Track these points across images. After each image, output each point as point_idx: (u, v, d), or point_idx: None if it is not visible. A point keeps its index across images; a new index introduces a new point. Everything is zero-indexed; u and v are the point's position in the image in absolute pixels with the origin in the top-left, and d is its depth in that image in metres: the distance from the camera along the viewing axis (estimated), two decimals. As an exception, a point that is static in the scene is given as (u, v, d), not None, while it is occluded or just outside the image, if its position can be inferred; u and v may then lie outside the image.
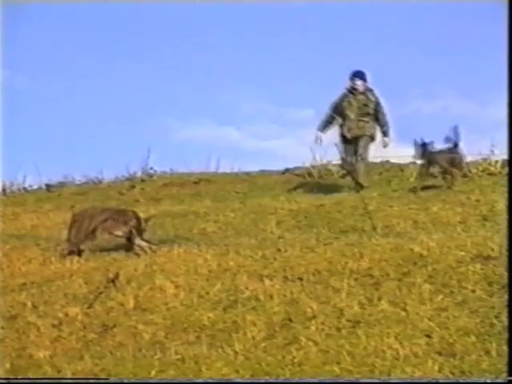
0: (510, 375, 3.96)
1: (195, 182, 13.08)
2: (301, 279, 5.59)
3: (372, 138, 10.72)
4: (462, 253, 5.84)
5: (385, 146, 10.88)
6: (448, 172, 10.27)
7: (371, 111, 10.64)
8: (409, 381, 3.98)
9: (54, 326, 5.13)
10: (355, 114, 10.62)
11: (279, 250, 6.50)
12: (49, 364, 4.53)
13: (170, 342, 4.69)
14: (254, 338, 4.61)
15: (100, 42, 19.77)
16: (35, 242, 7.86)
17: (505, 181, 9.07)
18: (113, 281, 5.80)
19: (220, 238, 7.62)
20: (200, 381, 4.16)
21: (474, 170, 11.68)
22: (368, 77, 10.86)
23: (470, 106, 20.59)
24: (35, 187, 14.04)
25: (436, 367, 4.05)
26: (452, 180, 10.21)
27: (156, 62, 19.59)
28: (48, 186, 13.99)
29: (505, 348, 4.18)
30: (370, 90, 10.78)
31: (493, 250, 5.81)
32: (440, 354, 4.21)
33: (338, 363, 4.18)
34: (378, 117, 10.66)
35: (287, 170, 13.90)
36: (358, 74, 10.81)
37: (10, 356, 4.69)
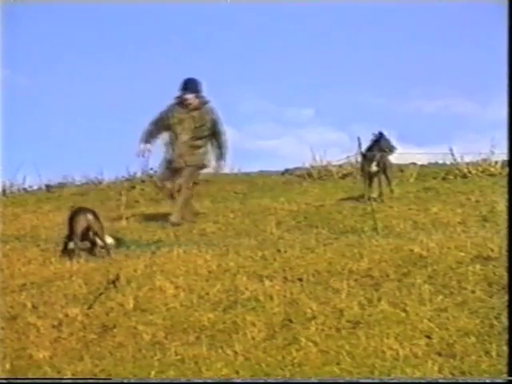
0: (509, 375, 3.96)
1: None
2: (301, 280, 5.59)
3: (204, 167, 9.06)
4: (462, 253, 5.85)
5: (218, 171, 9.34)
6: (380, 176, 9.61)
7: (207, 132, 8.81)
8: (409, 381, 3.98)
9: (53, 326, 5.13)
10: (188, 136, 8.74)
11: (279, 250, 6.51)
12: (48, 364, 4.53)
13: (169, 342, 4.69)
14: (253, 338, 4.61)
15: (100, 41, 19.77)
16: (35, 243, 7.86)
17: (505, 181, 9.07)
18: (113, 282, 5.80)
19: (220, 239, 7.62)
20: (200, 381, 4.16)
21: (473, 171, 11.70)
22: (203, 86, 8.90)
23: (470, 106, 20.60)
24: (35, 188, 14.06)
25: (436, 368, 4.05)
26: (380, 187, 9.54)
27: (156, 62, 19.58)
28: (48, 187, 14.01)
29: (505, 348, 4.18)
30: (206, 103, 8.88)
31: (493, 250, 5.82)
32: (440, 354, 4.21)
33: (338, 364, 4.19)
34: (214, 137, 8.87)
35: (287, 171, 13.91)
36: (189, 86, 8.80)
37: (9, 356, 4.68)
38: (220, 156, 9.01)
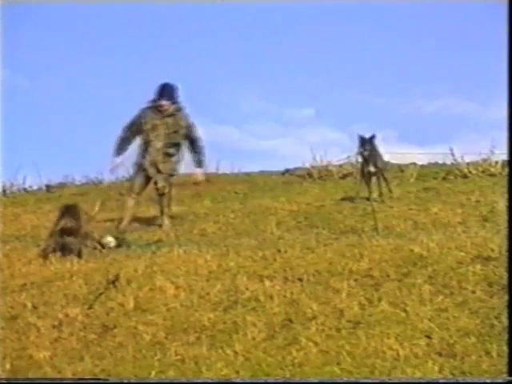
0: (509, 375, 3.96)
1: (195, 183, 13.08)
2: (301, 280, 5.59)
3: (174, 175, 8.90)
4: (462, 253, 5.85)
5: (198, 180, 9.03)
6: (382, 175, 9.75)
7: (180, 140, 8.62)
8: (409, 381, 3.98)
9: (54, 326, 5.12)
10: (162, 142, 8.53)
11: (279, 250, 6.50)
12: (49, 365, 4.53)
13: (170, 342, 4.68)
14: (254, 338, 4.61)
15: (99, 41, 19.80)
16: (35, 243, 7.85)
17: (505, 181, 9.09)
18: (113, 282, 5.80)
19: (220, 239, 7.62)
20: (200, 381, 4.16)
21: (474, 171, 11.70)
22: (179, 91, 8.68)
23: (471, 106, 20.64)
24: (35, 188, 14.06)
25: (436, 368, 4.04)
26: (380, 186, 9.66)
27: (155, 62, 19.61)
28: (48, 187, 14.01)
29: (505, 349, 4.18)
30: (180, 110, 8.67)
31: (493, 250, 5.82)
32: (440, 354, 4.21)
33: (338, 364, 4.18)
34: (191, 144, 8.69)
35: (287, 171, 13.92)
36: (166, 91, 8.57)
37: (10, 356, 4.68)
38: (199, 163, 8.82)
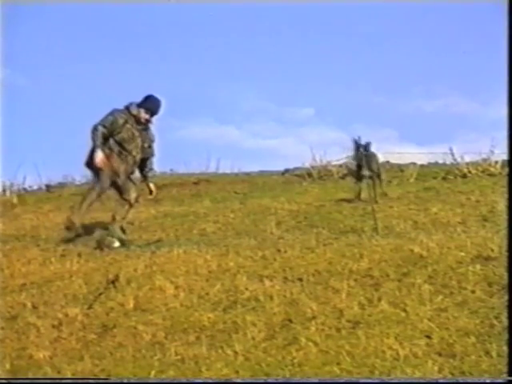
0: (509, 375, 3.96)
1: (195, 183, 13.10)
2: (301, 280, 5.59)
3: None
4: (462, 253, 5.84)
5: (152, 195, 8.38)
6: (377, 177, 9.88)
7: (147, 155, 8.14)
8: (409, 381, 3.97)
9: (53, 326, 5.13)
10: (140, 156, 7.97)
11: (279, 250, 6.51)
12: (49, 364, 4.53)
13: (169, 342, 4.68)
14: (253, 338, 4.61)
15: (99, 41, 19.82)
16: (35, 243, 7.86)
17: (505, 181, 9.09)
18: (113, 282, 5.80)
19: (220, 239, 7.62)
20: (200, 381, 4.16)
21: (473, 171, 11.71)
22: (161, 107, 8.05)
23: (471, 106, 20.66)
24: (35, 188, 14.08)
25: (436, 368, 4.04)
26: (374, 188, 9.73)
27: (155, 62, 19.62)
28: (48, 187, 14.02)
29: (505, 348, 4.17)
30: (151, 124, 8.13)
31: (493, 250, 5.82)
32: (440, 354, 4.20)
33: (338, 364, 4.18)
34: (148, 159, 8.18)
35: (287, 171, 13.94)
36: (150, 104, 7.96)
37: (9, 356, 4.68)
38: (147, 178, 8.27)
